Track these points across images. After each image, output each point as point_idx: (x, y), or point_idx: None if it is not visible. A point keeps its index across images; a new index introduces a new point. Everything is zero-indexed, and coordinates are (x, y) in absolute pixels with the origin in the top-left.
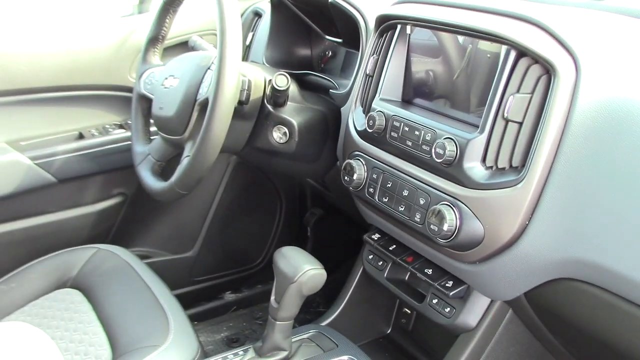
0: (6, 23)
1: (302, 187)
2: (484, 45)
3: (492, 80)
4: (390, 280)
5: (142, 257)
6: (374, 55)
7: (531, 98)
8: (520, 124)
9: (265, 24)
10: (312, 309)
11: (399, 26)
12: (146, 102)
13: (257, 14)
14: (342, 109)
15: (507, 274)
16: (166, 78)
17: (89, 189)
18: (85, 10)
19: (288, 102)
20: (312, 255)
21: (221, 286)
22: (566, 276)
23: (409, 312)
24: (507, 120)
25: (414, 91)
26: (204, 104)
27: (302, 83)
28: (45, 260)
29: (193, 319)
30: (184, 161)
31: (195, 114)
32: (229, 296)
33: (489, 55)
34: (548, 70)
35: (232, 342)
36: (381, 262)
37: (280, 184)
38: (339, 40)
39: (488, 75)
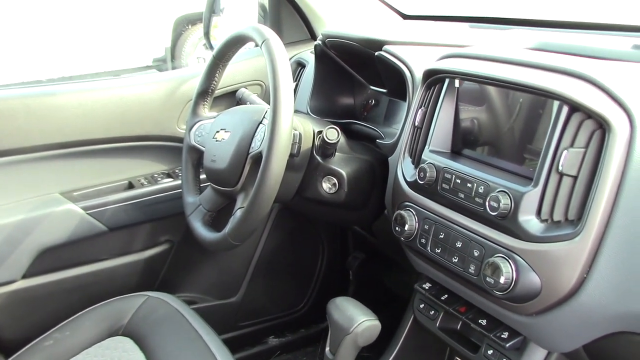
0: (60, 75)
1: (344, 231)
2: (536, 98)
3: (544, 134)
4: (443, 330)
5: (188, 302)
6: (422, 108)
7: (585, 152)
8: (575, 177)
9: (308, 73)
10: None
11: (447, 80)
12: (196, 153)
13: (300, 64)
14: (389, 158)
15: (566, 327)
16: (217, 131)
17: (138, 237)
18: (120, 54)
19: (336, 153)
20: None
21: (265, 331)
22: (628, 330)
23: None
24: (561, 174)
25: (463, 142)
26: (257, 157)
27: (347, 132)
28: (98, 308)
29: None
30: (237, 213)
31: (247, 167)
32: (273, 341)
33: (540, 111)
34: (601, 125)
35: None
36: (433, 312)
37: (323, 229)
38: (384, 90)
39: (540, 128)
